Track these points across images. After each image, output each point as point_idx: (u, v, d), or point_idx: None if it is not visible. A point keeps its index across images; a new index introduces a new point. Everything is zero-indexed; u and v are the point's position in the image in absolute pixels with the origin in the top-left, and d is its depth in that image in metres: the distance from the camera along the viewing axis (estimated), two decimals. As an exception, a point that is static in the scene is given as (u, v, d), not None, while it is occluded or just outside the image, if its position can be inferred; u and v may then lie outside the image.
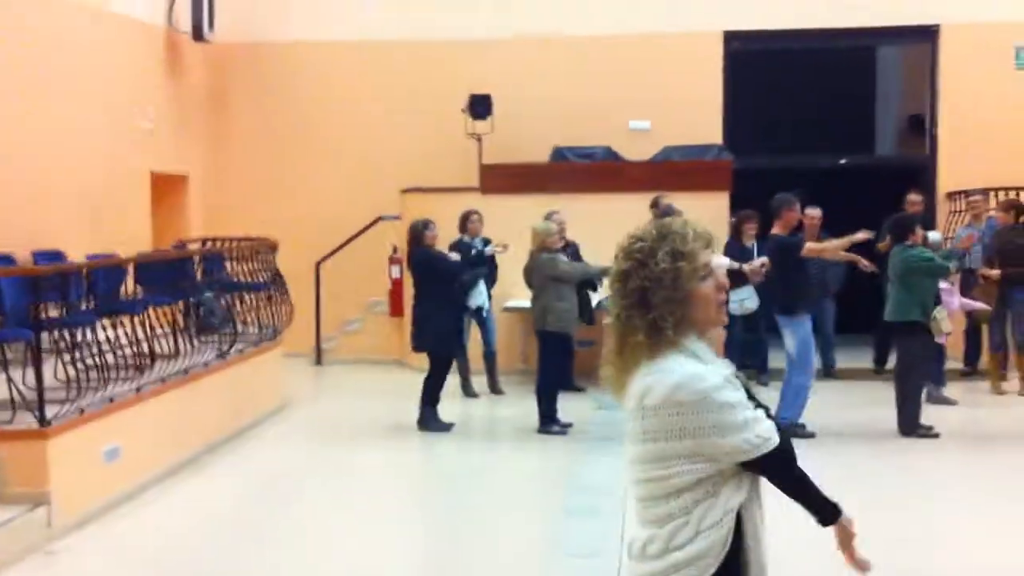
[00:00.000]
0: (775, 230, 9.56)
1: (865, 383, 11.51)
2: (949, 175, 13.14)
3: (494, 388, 11.26)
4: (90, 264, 8.83)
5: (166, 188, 13.10)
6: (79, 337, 7.76)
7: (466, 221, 11.21)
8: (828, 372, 11.94)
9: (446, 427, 9.56)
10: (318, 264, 13.28)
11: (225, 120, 14.11)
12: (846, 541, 2.83)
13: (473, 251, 10.86)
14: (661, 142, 13.07)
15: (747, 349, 11.61)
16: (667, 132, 13.12)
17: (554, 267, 9.45)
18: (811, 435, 9.07)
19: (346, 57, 13.85)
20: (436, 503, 8.00)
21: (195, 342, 9.32)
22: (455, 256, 10.14)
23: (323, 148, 13.92)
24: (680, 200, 11.57)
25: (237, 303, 10.28)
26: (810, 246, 9.51)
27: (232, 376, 9.44)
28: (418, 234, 9.70)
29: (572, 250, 10.96)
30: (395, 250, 13.00)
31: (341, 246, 13.23)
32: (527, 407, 9.73)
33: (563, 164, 12.79)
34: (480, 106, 12.62)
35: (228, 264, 10.63)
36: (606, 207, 11.43)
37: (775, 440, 2.70)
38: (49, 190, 10.30)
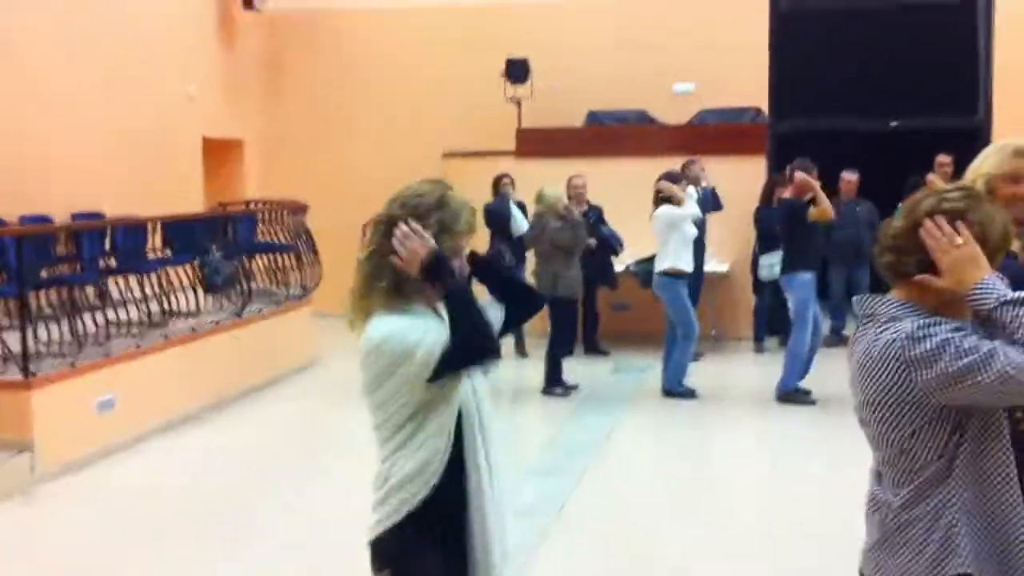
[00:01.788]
0: (786, 194, 9.47)
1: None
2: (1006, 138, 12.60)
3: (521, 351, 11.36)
4: (72, 227, 9.21)
5: (222, 153, 13.57)
6: (81, 294, 8.21)
7: (498, 185, 11.37)
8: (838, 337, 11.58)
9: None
10: (365, 226, 13.52)
11: (279, 86, 14.49)
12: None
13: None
14: (705, 105, 12.95)
15: (775, 315, 11.48)
16: (712, 95, 12.97)
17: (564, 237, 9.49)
18: (812, 402, 8.99)
19: (393, 24, 14.06)
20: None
21: (218, 302, 9.73)
22: None
23: (371, 113, 14.17)
24: (714, 164, 11.53)
25: (263, 264, 10.64)
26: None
27: (248, 334, 9.78)
28: None
29: (595, 214, 11.00)
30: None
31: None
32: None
33: (596, 128, 12.80)
34: (517, 70, 12.73)
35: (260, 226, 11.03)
36: (638, 170, 11.38)
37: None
38: (97, 154, 10.71)
